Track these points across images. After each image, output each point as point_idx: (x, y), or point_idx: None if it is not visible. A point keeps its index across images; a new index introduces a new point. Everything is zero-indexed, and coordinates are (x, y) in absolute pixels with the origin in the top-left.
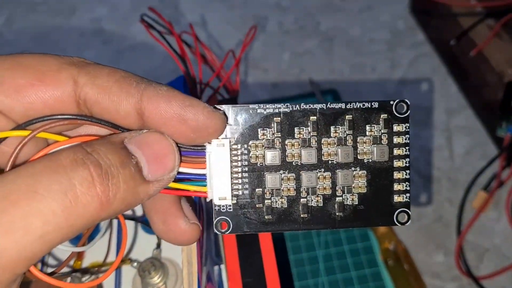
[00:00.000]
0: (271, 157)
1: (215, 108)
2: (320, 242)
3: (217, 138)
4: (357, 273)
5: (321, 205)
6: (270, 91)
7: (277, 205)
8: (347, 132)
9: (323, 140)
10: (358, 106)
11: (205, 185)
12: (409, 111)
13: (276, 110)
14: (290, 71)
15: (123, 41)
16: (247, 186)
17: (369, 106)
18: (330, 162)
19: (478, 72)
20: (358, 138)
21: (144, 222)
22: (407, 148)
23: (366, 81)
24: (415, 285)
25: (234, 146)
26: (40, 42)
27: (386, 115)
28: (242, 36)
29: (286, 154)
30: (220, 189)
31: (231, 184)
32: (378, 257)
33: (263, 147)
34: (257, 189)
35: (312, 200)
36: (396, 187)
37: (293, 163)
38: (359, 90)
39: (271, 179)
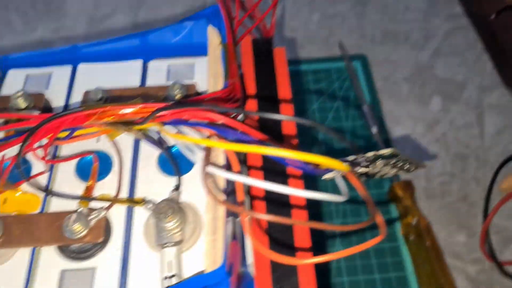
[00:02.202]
0: None
1: None
2: (338, 211)
3: None
4: (375, 247)
5: None
6: (296, 51)
7: None
8: None
9: None
10: None
11: None
12: None
13: None
14: (319, 33)
15: None
16: None
17: None
18: None
19: None
20: None
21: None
22: None
23: (397, 49)
24: (436, 263)
25: None
26: None
27: None
28: None
29: None
30: None
31: None
32: (398, 232)
33: None
34: None
35: None
36: None
37: None
38: (389, 58)
39: None
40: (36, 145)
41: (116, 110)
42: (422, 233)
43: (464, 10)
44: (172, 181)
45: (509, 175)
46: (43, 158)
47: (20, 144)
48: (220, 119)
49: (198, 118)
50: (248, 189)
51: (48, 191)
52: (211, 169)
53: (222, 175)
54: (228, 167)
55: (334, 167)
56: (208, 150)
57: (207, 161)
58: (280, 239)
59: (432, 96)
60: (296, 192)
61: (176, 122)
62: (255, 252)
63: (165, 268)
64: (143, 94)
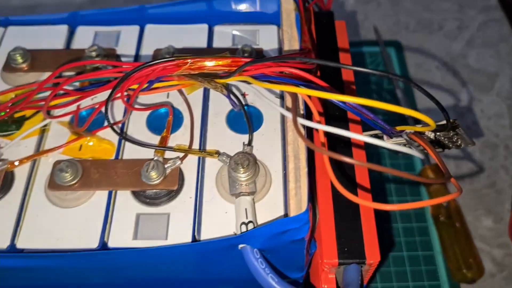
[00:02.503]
0: None
1: None
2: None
3: None
4: (404, 225)
5: None
6: None
7: None
8: None
9: None
10: None
11: None
12: None
13: None
14: (354, 16)
15: None
16: None
17: None
18: None
19: None
20: None
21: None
22: None
23: (431, 38)
24: (465, 243)
25: None
26: None
27: None
28: None
29: None
30: None
31: None
32: (428, 212)
33: None
34: None
35: None
36: None
37: None
38: (423, 46)
39: None
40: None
41: (205, 61)
42: (452, 214)
43: (499, 2)
44: (239, 137)
45: None
46: (129, 106)
47: (110, 90)
48: (306, 76)
49: (278, 73)
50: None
51: (125, 137)
52: (301, 119)
53: (315, 126)
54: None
55: (424, 120)
56: (294, 100)
57: (295, 110)
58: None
59: (464, 86)
60: (377, 142)
61: (259, 77)
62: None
63: (242, 215)
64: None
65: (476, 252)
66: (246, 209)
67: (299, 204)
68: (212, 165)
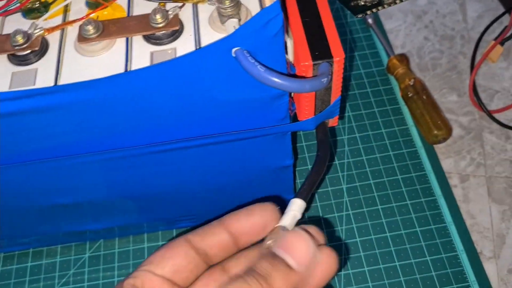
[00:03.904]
0: None
1: None
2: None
3: None
4: (379, 110)
5: None
6: None
7: None
8: None
9: None
10: None
11: None
12: None
13: None
14: None
15: None
16: None
17: None
18: None
19: None
20: None
21: None
22: None
23: None
24: (433, 111)
25: None
26: None
27: None
28: None
29: None
30: None
31: None
32: (398, 94)
33: None
34: None
35: None
36: None
37: None
38: None
39: None
40: None
41: None
42: (418, 90)
43: None
44: None
45: (490, 42)
46: None
47: None
48: None
49: None
50: None
51: None
52: None
53: None
54: None
55: None
56: None
57: None
58: None
59: None
60: None
61: None
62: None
63: (231, 30)
64: None
65: (444, 116)
66: (234, 26)
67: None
68: (205, 10)
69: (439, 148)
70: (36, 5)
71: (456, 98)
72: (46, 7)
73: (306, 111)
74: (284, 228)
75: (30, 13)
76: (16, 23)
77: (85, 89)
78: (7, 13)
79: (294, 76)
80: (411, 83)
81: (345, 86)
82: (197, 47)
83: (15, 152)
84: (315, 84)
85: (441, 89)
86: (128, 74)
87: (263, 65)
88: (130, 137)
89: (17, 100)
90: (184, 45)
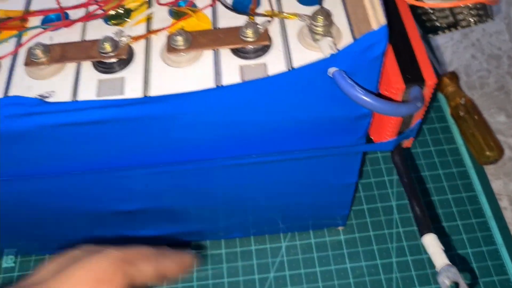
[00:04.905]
0: None
1: None
2: None
3: None
4: (427, 126)
5: None
6: None
7: None
8: None
9: None
10: None
11: None
12: None
13: None
14: None
15: None
16: None
17: None
18: None
19: None
20: None
21: None
22: None
23: None
24: (485, 131)
25: None
26: None
27: None
28: None
29: None
30: None
31: None
32: (447, 113)
33: None
34: None
35: None
36: None
37: None
38: None
39: None
40: None
41: None
42: (470, 110)
43: None
44: (303, 8)
45: None
46: None
47: None
48: None
49: None
50: None
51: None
52: None
53: None
54: None
55: None
56: None
57: None
58: None
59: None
60: None
61: None
62: None
63: (327, 50)
64: None
65: (495, 136)
66: (329, 45)
67: (377, 20)
68: (293, 25)
69: (488, 169)
70: (120, 11)
71: (504, 119)
72: (128, 13)
73: (388, 132)
74: (451, 266)
75: (113, 19)
76: (97, 28)
77: (178, 101)
78: (89, 18)
79: (388, 99)
80: (462, 102)
81: None
82: (288, 64)
83: (93, 160)
84: (411, 108)
85: (489, 109)
86: (221, 89)
87: (360, 86)
88: (207, 149)
89: (107, 109)
90: (274, 61)
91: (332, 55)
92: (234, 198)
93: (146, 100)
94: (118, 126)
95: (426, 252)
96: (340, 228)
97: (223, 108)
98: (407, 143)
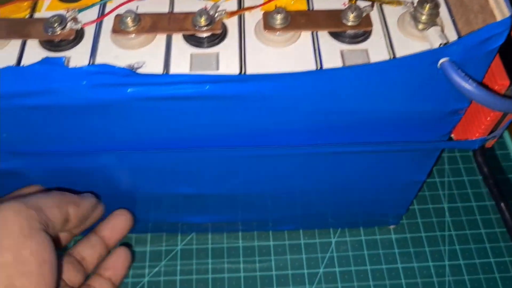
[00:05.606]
0: None
1: None
2: None
3: None
4: None
5: None
6: None
7: None
8: None
9: None
10: None
11: None
12: None
13: None
14: None
15: None
16: None
17: None
18: None
19: None
20: None
21: None
22: None
23: None
24: None
25: None
26: None
27: None
28: None
29: None
30: None
31: None
32: None
33: None
34: None
35: None
36: None
37: None
38: None
39: None
40: None
41: None
42: None
43: None
44: None
45: None
46: None
47: None
48: None
49: None
50: None
51: None
52: None
53: None
54: None
55: None
56: None
57: None
58: None
59: None
60: None
61: None
62: None
63: (437, 41)
64: None
65: None
66: (440, 35)
67: (501, 11)
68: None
69: None
70: None
71: None
72: None
73: (480, 130)
74: None
75: None
76: (185, 1)
77: (278, 81)
78: None
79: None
80: None
81: None
82: (390, 52)
83: (173, 138)
84: None
85: None
86: (324, 72)
87: (473, 79)
88: (285, 136)
89: (201, 84)
90: (375, 48)
91: (445, 46)
92: (294, 188)
93: (246, 78)
94: (211, 103)
95: (479, 257)
96: (391, 227)
97: (322, 92)
98: (490, 142)
